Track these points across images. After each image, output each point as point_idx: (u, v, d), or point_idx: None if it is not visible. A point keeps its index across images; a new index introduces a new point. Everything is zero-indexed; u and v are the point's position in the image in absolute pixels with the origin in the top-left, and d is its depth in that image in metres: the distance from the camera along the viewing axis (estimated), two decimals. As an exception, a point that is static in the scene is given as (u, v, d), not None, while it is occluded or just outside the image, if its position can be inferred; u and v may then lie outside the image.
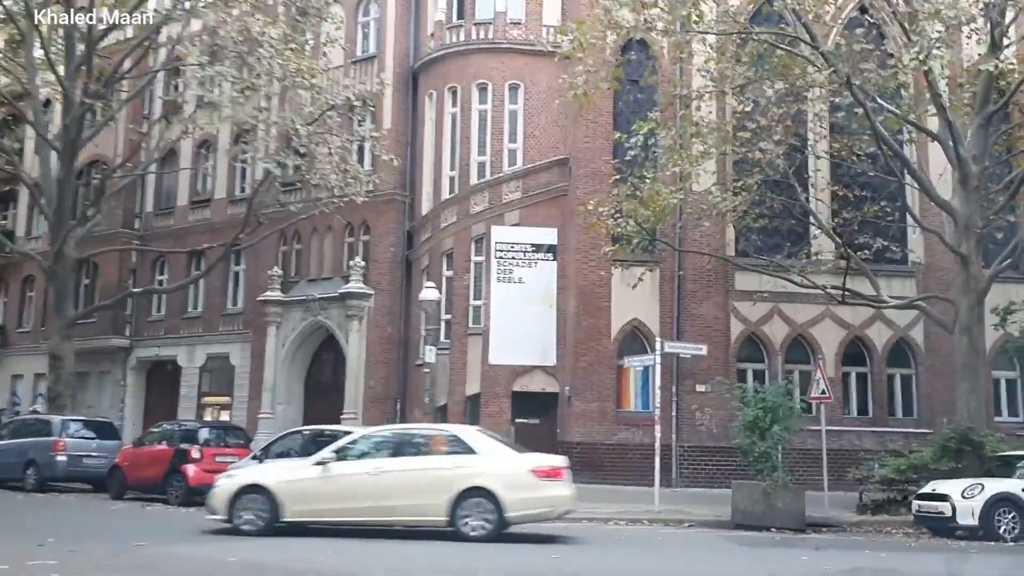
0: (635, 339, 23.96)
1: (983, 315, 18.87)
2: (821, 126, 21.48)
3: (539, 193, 25.78)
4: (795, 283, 21.36)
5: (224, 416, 31.42)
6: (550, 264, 25.33)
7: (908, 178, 20.65)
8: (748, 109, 19.92)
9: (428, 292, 22.80)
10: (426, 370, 22.26)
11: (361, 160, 27.75)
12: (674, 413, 23.66)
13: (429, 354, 21.92)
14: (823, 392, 18.03)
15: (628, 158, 20.82)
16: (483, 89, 27.08)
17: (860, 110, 17.69)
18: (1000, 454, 17.29)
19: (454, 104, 27.59)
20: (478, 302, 25.69)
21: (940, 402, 24.22)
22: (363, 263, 28.60)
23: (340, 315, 28.80)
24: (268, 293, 29.88)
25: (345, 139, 24.44)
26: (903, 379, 25.10)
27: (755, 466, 16.84)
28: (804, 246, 22.54)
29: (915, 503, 16.24)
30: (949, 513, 15.29)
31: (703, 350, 19.43)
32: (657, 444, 18.01)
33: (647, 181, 19.70)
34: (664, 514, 17.23)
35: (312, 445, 15.98)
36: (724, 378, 19.56)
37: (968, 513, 15.08)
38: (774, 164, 19.39)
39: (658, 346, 18.66)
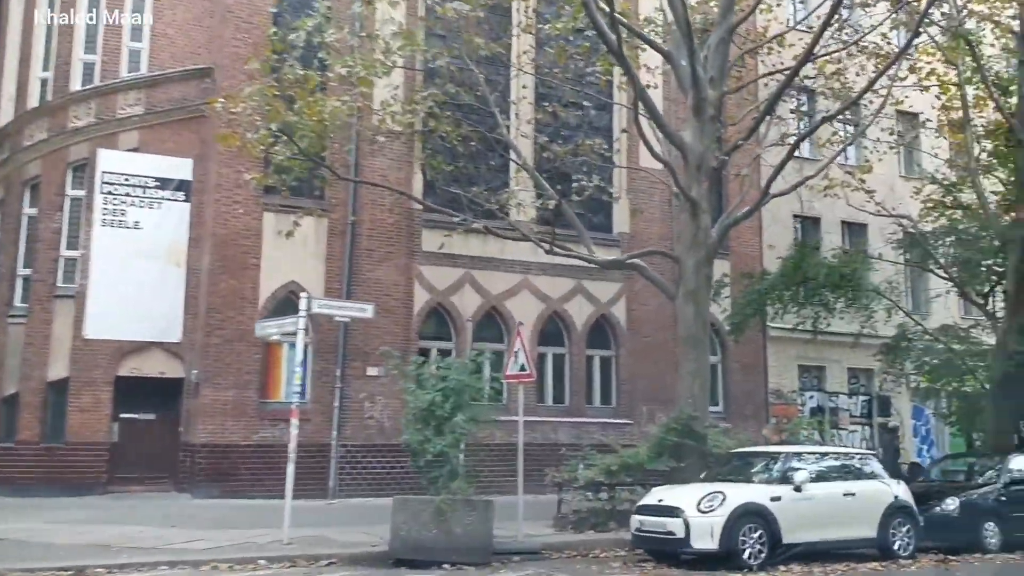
0: (292, 308, 18.09)
1: (712, 277, 15.25)
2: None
3: (170, 111, 19.06)
4: (497, 233, 16.75)
5: None
6: (180, 206, 18.71)
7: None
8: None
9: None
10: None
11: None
12: (336, 404, 18.20)
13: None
14: (523, 369, 13.29)
15: (290, 62, 14.85)
16: (96, -37, 19.83)
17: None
18: (737, 451, 13.60)
19: (53, -21, 20.09)
20: (73, 253, 18.46)
21: (641, 390, 20.97)
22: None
23: None
24: None
25: None
26: (603, 362, 21.46)
27: (426, 474, 11.71)
28: (504, 193, 17.92)
29: (635, 519, 11.95)
30: (681, 533, 11.09)
31: (368, 311, 14.05)
32: (292, 443, 12.35)
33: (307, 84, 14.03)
34: (296, 546, 11.59)
35: None
36: (395, 351, 14.28)
37: (706, 533, 10.96)
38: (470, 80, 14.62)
39: (304, 304, 12.98)
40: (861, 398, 24.53)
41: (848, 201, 20.72)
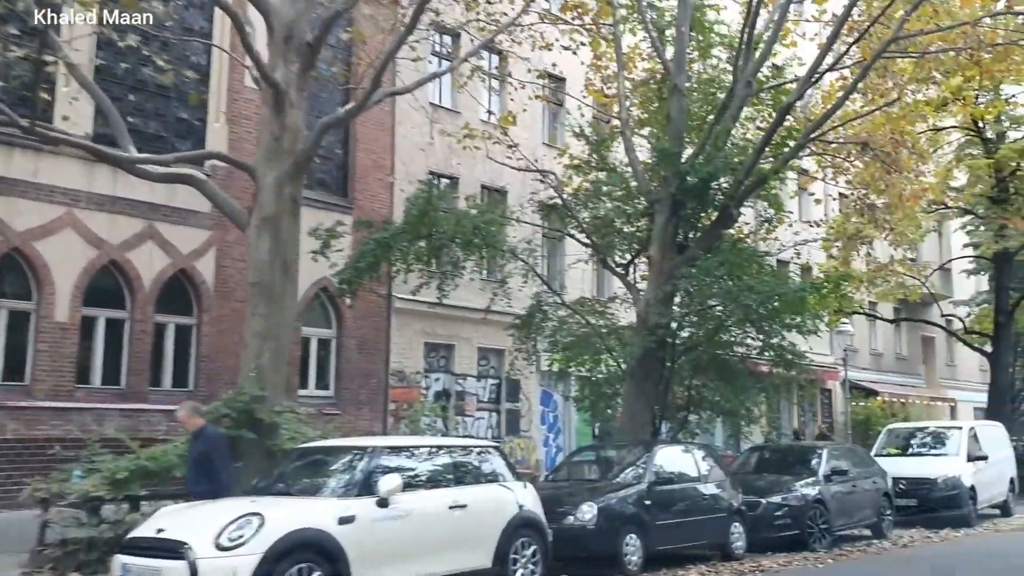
0: None
1: (299, 201, 10.78)
2: None
3: None
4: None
5: None
6: None
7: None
8: None
9: None
10: None
11: None
12: None
13: None
14: None
15: None
16: None
17: None
18: (303, 447, 9.22)
19: None
20: None
21: (230, 368, 15.91)
22: None
23: None
24: None
25: None
26: (179, 332, 16.19)
27: None
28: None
29: (118, 561, 7.10)
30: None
31: None
32: None
33: None
34: None
35: None
36: None
37: (225, 581, 6.43)
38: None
39: None
40: (491, 381, 21.58)
41: (488, 153, 17.48)
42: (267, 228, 10.17)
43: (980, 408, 34.20)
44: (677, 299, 15.30)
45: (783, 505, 12.64)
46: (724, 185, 15.06)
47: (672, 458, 11.67)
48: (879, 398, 29.87)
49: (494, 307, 16.82)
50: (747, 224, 17.58)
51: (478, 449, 9.46)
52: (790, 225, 19.31)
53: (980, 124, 24.00)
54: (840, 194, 23.33)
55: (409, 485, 7.86)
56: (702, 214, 15.39)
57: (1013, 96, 20.95)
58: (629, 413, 14.87)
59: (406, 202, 14.94)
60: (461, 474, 8.70)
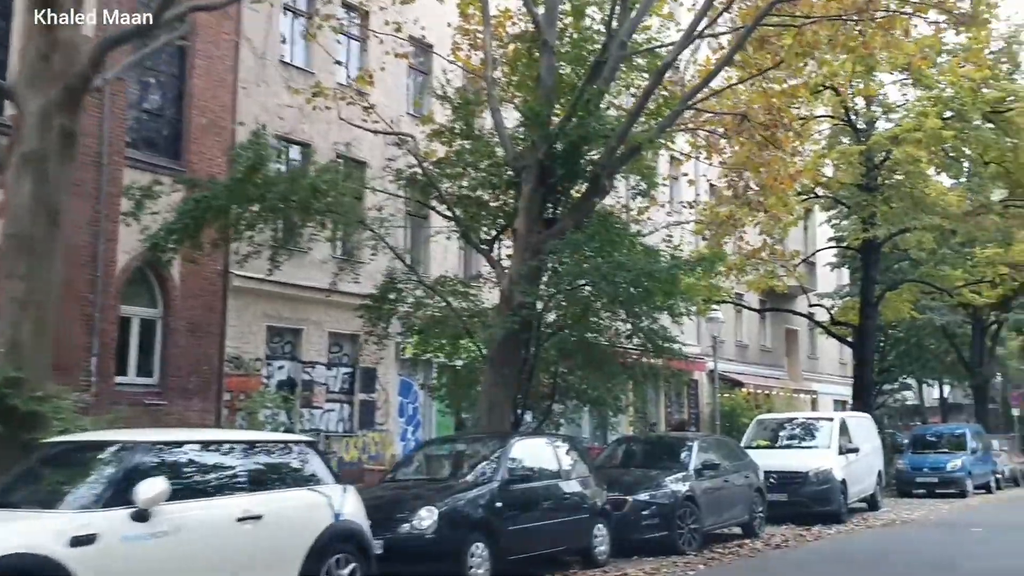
0: None
1: (76, 136, 8.58)
2: None
3: None
4: None
5: None
6: None
7: None
8: None
9: None
10: None
11: None
12: None
13: None
14: None
15: None
16: None
17: None
18: (53, 440, 7.14)
19: None
20: None
21: None
22: None
23: None
24: None
25: None
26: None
27: None
28: None
29: None
30: None
31: None
32: None
33: None
34: None
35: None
36: None
37: None
38: None
39: None
40: (343, 370, 19.62)
41: (340, 113, 15.52)
42: (29, 168, 8.01)
43: (839, 400, 34.64)
44: (545, 278, 13.83)
45: (651, 503, 11.31)
46: (596, 154, 13.68)
47: (530, 452, 10.11)
48: (744, 389, 29.55)
49: (345, 287, 15.00)
50: (620, 199, 16.31)
51: (286, 445, 7.57)
52: (662, 206, 18.23)
53: (851, 115, 23.72)
54: (712, 185, 22.60)
55: (182, 492, 5.97)
56: (572, 185, 13.97)
57: (884, 87, 20.65)
58: (488, 403, 13.27)
59: (230, 153, 12.84)
60: (260, 477, 6.78)
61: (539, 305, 13.60)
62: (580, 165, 13.49)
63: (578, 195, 13.98)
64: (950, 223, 22.65)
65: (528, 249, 13.42)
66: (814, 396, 35.01)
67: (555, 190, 13.97)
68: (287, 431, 18.16)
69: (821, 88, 22.54)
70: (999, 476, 24.65)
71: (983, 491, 22.97)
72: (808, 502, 15.23)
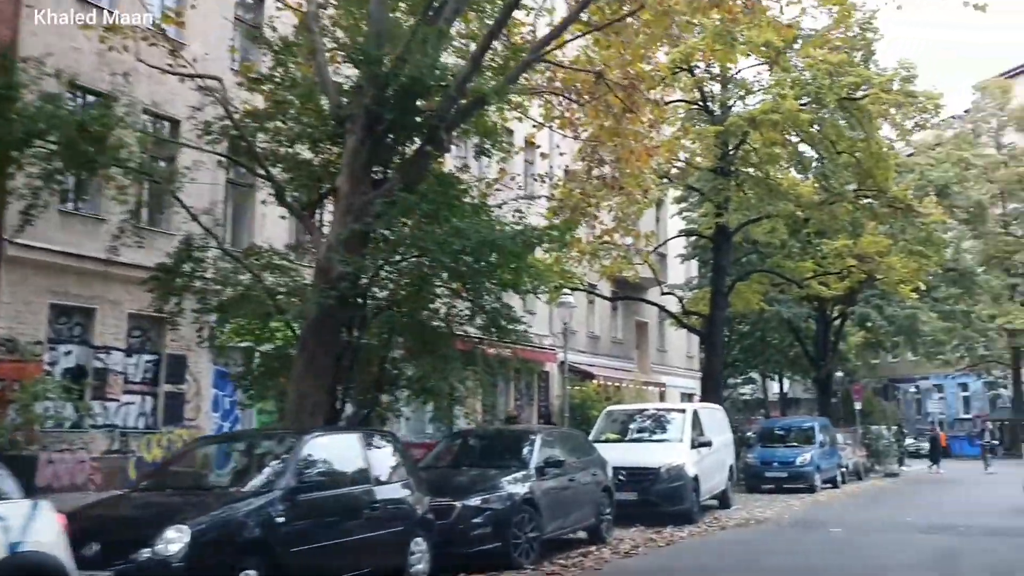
0: None
1: None
2: None
3: None
4: None
5: None
6: None
7: None
8: None
9: None
10: None
11: None
12: None
13: None
14: None
15: None
16: None
17: None
18: None
19: None
20: None
21: None
22: None
23: None
24: None
25: None
26: None
27: None
28: None
29: None
30: None
31: None
32: None
33: None
34: None
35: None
36: None
37: None
38: None
39: None
40: (146, 357, 16.92)
41: (138, 54, 12.85)
42: None
43: (687, 394, 34.22)
44: (373, 248, 11.80)
45: (483, 509, 9.51)
46: (432, 104, 11.75)
47: (331, 452, 8.05)
48: (595, 381, 28.47)
49: (145, 259, 12.50)
50: (463, 160, 14.41)
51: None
52: (513, 179, 16.55)
53: (707, 100, 22.86)
54: (567, 169, 21.18)
55: None
56: (406, 139, 11.99)
57: (746, 55, 19.68)
58: (297, 393, 11.11)
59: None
60: None
61: (366, 282, 11.60)
62: (414, 115, 11.52)
63: (415, 153, 12.03)
64: (804, 211, 22.12)
65: (351, 212, 11.33)
66: (663, 389, 34.50)
67: (386, 144, 11.97)
68: (75, 427, 15.47)
69: (678, 69, 21.60)
70: (844, 470, 24.46)
71: (830, 486, 22.60)
72: (659, 501, 13.87)
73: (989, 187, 38.92)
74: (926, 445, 34.60)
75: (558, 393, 26.72)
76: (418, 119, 11.69)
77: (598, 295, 26.31)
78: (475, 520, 9.43)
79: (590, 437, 15.81)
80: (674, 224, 32.12)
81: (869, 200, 22.31)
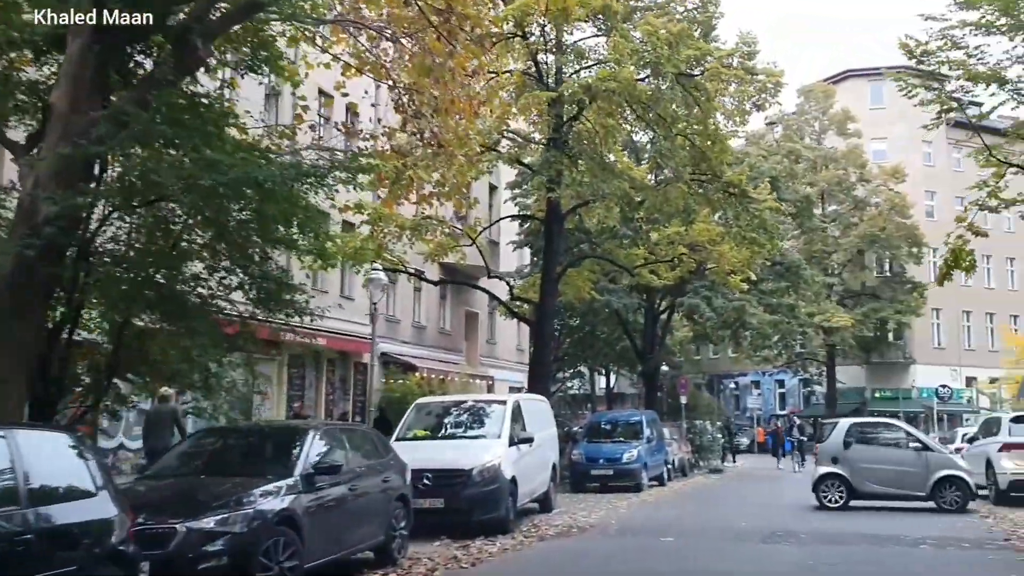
0: None
1: None
2: None
3: None
4: None
5: None
6: None
7: None
8: None
9: None
10: None
11: None
12: None
13: None
14: None
15: None
16: None
17: None
18: None
19: None
20: None
21: None
22: None
23: None
24: None
25: None
26: None
27: None
28: None
29: None
30: None
31: None
32: None
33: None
34: None
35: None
36: None
37: None
38: None
39: None
40: None
41: None
42: None
43: (516, 387, 32.45)
44: (100, 189, 8.88)
45: (218, 533, 6.91)
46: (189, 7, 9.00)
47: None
48: (418, 374, 26.12)
49: None
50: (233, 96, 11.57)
51: None
52: (312, 128, 13.86)
53: (540, 69, 20.93)
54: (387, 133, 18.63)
55: None
56: (147, 46, 9.15)
57: (584, 17, 17.98)
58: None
59: None
60: None
61: (88, 232, 8.73)
62: (159, 14, 8.70)
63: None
64: (637, 192, 20.64)
65: (68, 136, 8.41)
66: (491, 382, 32.62)
67: (124, 53, 9.10)
68: None
69: (511, 36, 19.64)
70: (670, 467, 23.27)
71: (656, 483, 21.25)
72: (470, 508, 11.64)
73: (811, 190, 39.55)
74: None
75: (376, 387, 24.16)
76: (167, 21, 8.91)
77: (423, 278, 23.94)
78: (205, 548, 6.82)
79: (395, 434, 13.44)
80: (508, 210, 30.31)
81: (703, 183, 21.09)
